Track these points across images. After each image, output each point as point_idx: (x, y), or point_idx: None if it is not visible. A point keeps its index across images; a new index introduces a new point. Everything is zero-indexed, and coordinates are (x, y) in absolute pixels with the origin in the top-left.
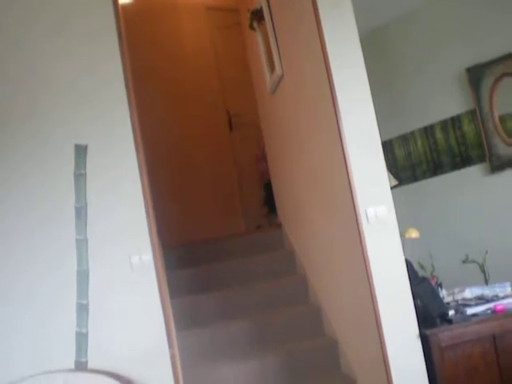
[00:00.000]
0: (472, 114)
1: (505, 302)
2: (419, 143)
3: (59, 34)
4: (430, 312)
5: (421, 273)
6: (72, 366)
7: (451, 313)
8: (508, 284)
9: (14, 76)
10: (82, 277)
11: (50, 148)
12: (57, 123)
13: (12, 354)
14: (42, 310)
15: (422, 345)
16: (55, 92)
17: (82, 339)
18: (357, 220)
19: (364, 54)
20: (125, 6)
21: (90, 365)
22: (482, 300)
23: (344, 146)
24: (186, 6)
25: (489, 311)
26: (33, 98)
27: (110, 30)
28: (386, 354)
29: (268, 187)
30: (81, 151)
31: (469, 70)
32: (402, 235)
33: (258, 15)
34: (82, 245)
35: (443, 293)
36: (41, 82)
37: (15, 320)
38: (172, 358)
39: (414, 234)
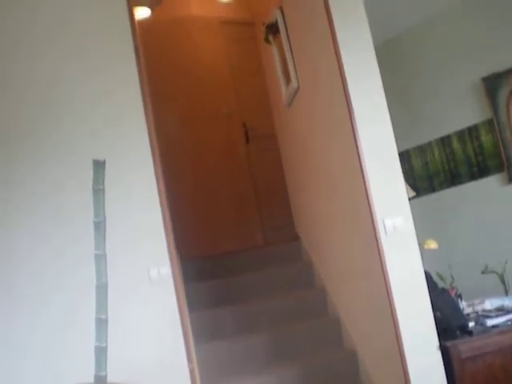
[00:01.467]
0: (489, 123)
1: None
2: (436, 154)
3: (78, 57)
4: (450, 323)
5: (440, 284)
6: (91, 380)
7: (471, 324)
8: None
9: (34, 99)
10: (101, 291)
11: (68, 165)
12: (76, 145)
13: (30, 370)
14: (61, 324)
15: (443, 356)
16: (75, 115)
17: (101, 353)
18: (375, 231)
19: (379, 65)
20: (139, 22)
21: (110, 379)
22: (502, 311)
23: (361, 157)
24: (200, 20)
25: (509, 322)
26: (53, 120)
27: (125, 42)
28: (406, 366)
29: None
30: (99, 166)
31: (485, 80)
32: (420, 246)
33: (273, 29)
34: (100, 259)
35: (463, 304)
36: (61, 107)
37: (33, 334)
38: (191, 371)
39: (432, 245)
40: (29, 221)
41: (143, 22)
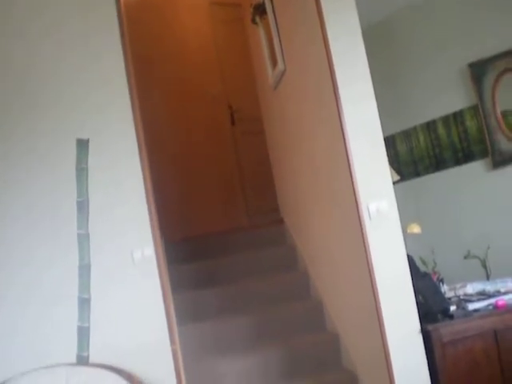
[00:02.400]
0: (474, 109)
1: (506, 297)
2: (421, 138)
3: (59, 29)
4: (432, 307)
5: (422, 268)
6: (74, 360)
7: (453, 308)
8: (509, 279)
9: (14, 71)
10: (84, 271)
11: (51, 142)
12: (57, 118)
13: (13, 349)
14: (43, 305)
15: (424, 340)
16: (56, 87)
17: (83, 333)
18: (359, 215)
19: (366, 48)
20: (126, 2)
21: (92, 359)
22: (483, 295)
23: (346, 141)
24: (187, 0)
25: (490, 307)
26: (33, 93)
27: (111, 24)
28: (388, 350)
29: None
30: (82, 145)
31: (471, 66)
32: (403, 230)
33: (260, 9)
34: (83, 239)
35: (445, 288)
36: (41, 78)
37: (16, 314)
38: (174, 353)
39: (415, 229)
40: (16, 205)
41: (129, 2)
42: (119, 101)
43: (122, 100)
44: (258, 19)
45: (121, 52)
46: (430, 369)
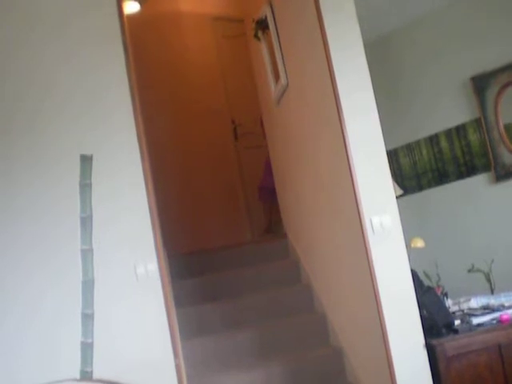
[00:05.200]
0: (477, 122)
1: (510, 311)
2: (424, 152)
3: (61, 45)
4: (436, 322)
5: (426, 282)
6: (77, 375)
7: (457, 322)
8: None
9: (16, 84)
10: (88, 287)
11: (54, 157)
12: (60, 132)
13: (17, 364)
14: (47, 320)
15: (428, 354)
16: (58, 100)
17: (87, 349)
18: (362, 229)
19: (368, 62)
20: (130, 16)
21: (95, 374)
22: (487, 310)
23: (349, 155)
24: (191, 15)
25: (494, 321)
26: (36, 106)
27: (114, 39)
28: (392, 364)
29: None
30: (86, 161)
31: (474, 79)
32: (407, 245)
33: (262, 25)
34: (87, 255)
35: (449, 302)
36: (43, 91)
37: (20, 330)
38: (177, 367)
39: (419, 243)
40: (19, 221)
41: (134, 16)
42: (122, 116)
43: (125, 115)
44: (260, 34)
45: (124, 67)
46: (434, 383)
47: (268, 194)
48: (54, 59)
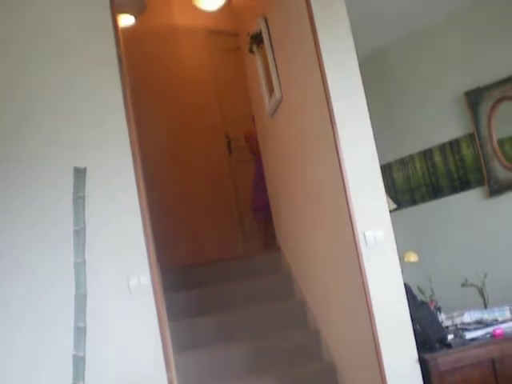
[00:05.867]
0: (470, 137)
1: (504, 326)
2: (418, 167)
3: (61, 60)
4: (429, 336)
5: (420, 297)
6: None
7: (450, 337)
8: (507, 308)
9: (16, 100)
10: (80, 299)
11: (48, 171)
12: (57, 147)
13: (7, 378)
14: (38, 334)
15: (421, 369)
16: (56, 117)
17: (79, 363)
18: (355, 243)
19: (362, 77)
20: (125, 30)
21: None
22: (481, 324)
23: (342, 169)
24: (186, 29)
25: (488, 335)
26: (36, 123)
27: (110, 56)
28: (385, 379)
29: None
30: (80, 174)
31: (467, 94)
32: (400, 259)
33: (257, 39)
34: (80, 268)
35: (442, 317)
36: (33, 93)
37: (11, 343)
38: (169, 381)
39: (412, 257)
40: (8, 230)
41: (128, 30)
42: (116, 126)
43: (119, 127)
44: (255, 48)
45: (119, 82)
46: None
47: (263, 214)
48: (53, 78)
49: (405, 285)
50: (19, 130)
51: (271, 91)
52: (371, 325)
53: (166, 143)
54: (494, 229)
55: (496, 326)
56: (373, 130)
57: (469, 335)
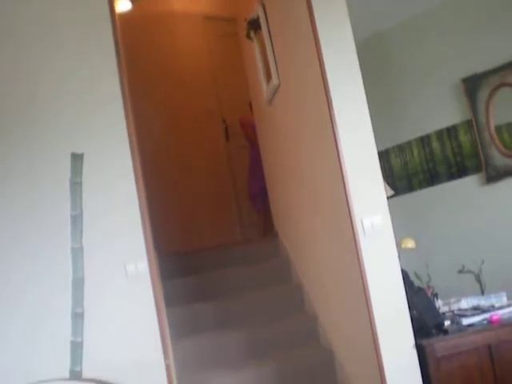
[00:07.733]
0: (468, 124)
1: (500, 312)
2: (415, 153)
3: (59, 47)
4: (426, 322)
5: (417, 283)
6: (67, 375)
7: (447, 323)
8: (504, 294)
9: (14, 88)
10: (77, 285)
11: (46, 157)
12: (55, 135)
13: (5, 363)
14: (35, 319)
15: (418, 355)
16: (55, 105)
17: (76, 348)
18: (353, 230)
19: (360, 63)
20: (121, 16)
21: (85, 374)
22: (477, 310)
23: (340, 155)
24: (183, 15)
25: (485, 321)
26: (35, 109)
27: (107, 43)
28: (382, 364)
29: None
30: (77, 160)
31: (465, 81)
32: (398, 245)
33: (254, 25)
34: (77, 253)
35: (439, 303)
36: (32, 84)
37: (8, 328)
38: (167, 367)
39: (410, 244)
40: (5, 216)
41: (125, 15)
42: (113, 114)
43: (116, 114)
44: (252, 34)
45: (116, 69)
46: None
47: (261, 202)
48: (51, 70)
49: (402, 271)
50: (18, 117)
51: (269, 77)
52: (368, 310)
53: (162, 129)
54: (491, 215)
55: (493, 312)
56: (370, 116)
57: (465, 321)
